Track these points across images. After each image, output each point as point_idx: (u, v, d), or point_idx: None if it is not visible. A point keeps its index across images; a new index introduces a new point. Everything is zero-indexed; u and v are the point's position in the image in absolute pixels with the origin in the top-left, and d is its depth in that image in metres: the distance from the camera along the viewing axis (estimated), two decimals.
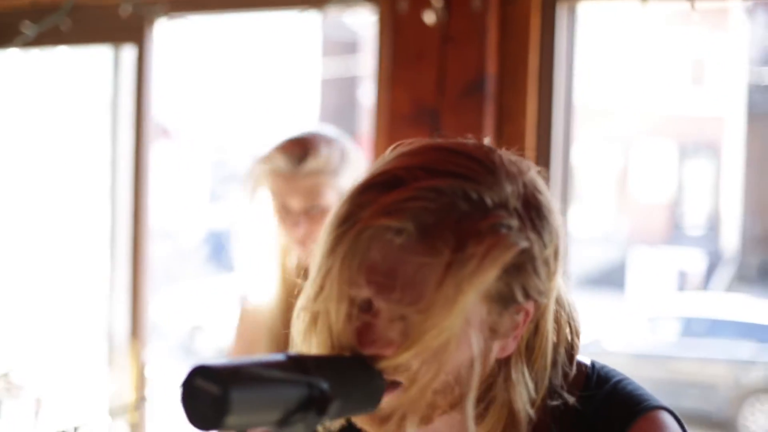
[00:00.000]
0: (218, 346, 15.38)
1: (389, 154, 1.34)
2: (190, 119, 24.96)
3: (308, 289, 1.32)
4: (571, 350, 1.37)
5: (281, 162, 2.39)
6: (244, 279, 2.54)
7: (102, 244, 3.95)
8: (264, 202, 2.42)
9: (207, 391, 1.11)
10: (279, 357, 1.20)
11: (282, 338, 2.43)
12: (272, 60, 25.19)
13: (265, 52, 25.20)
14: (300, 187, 2.38)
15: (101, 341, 3.87)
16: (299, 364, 1.19)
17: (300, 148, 2.41)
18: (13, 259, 4.35)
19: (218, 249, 21.85)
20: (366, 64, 24.10)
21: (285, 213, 2.39)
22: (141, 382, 3.60)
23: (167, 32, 3.73)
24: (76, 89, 4.24)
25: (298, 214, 2.38)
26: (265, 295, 2.47)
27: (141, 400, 3.55)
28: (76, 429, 3.15)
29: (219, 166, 25.67)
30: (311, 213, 2.38)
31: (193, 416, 1.12)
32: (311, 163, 2.38)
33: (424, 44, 2.99)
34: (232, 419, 1.10)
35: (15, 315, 4.28)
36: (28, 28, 3.62)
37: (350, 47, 24.97)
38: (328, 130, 2.58)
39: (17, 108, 4.37)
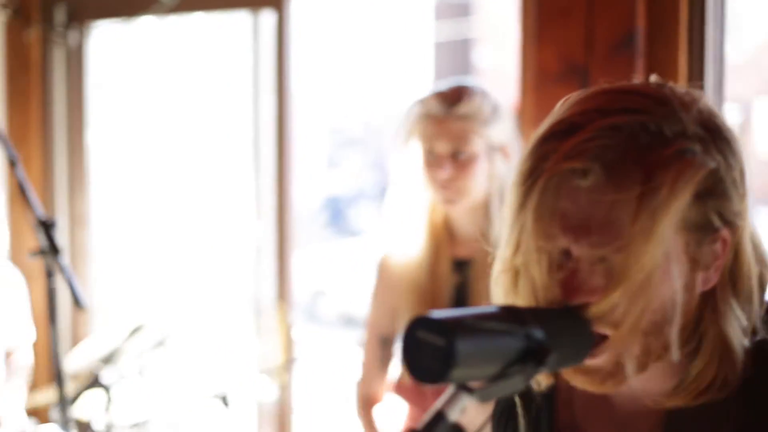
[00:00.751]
0: (340, 311, 15.55)
1: (560, 106, 1.34)
2: (308, 84, 25.15)
3: (504, 248, 1.32)
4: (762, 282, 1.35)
5: (434, 105, 2.41)
6: (388, 231, 2.55)
7: (246, 210, 4.00)
8: (414, 149, 2.43)
9: (431, 342, 1.10)
10: (492, 308, 1.20)
11: (428, 292, 2.45)
12: (386, 24, 25.18)
13: (380, 17, 25.22)
14: (449, 130, 2.39)
15: (248, 304, 3.94)
16: (515, 315, 1.19)
17: (455, 93, 2.42)
18: (159, 225, 4.45)
19: (337, 215, 22.05)
20: (479, 26, 23.94)
21: (431, 156, 2.40)
22: (288, 344, 3.65)
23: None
24: (214, 56, 4.29)
25: (444, 158, 2.39)
26: (411, 248, 2.48)
27: (289, 361, 3.60)
28: (226, 393, 3.22)
29: (336, 132, 25.84)
30: (457, 158, 2.38)
31: (417, 369, 1.12)
32: (463, 108, 2.38)
33: (571, 0, 2.95)
34: (457, 372, 1.09)
35: (164, 281, 4.39)
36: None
37: (463, 9, 24.83)
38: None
39: (157, 76, 4.46)
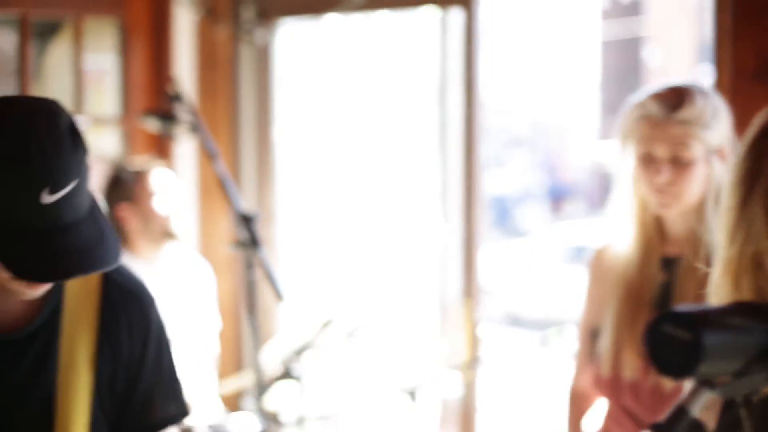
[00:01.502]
0: (506, 311, 15.54)
1: None
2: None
3: (727, 248, 1.34)
4: None
5: (654, 107, 2.38)
6: (606, 226, 2.56)
7: (433, 206, 4.03)
8: (631, 151, 2.42)
9: (678, 337, 1.11)
10: (732, 305, 1.21)
11: (634, 288, 2.44)
12: (554, 23, 25.00)
13: (548, 16, 25.05)
14: (669, 134, 2.36)
15: (434, 300, 3.96)
16: (756, 311, 1.18)
17: (675, 96, 2.38)
18: (346, 220, 4.52)
19: (503, 214, 22.01)
20: (649, 25, 23.52)
21: (649, 160, 2.38)
22: (474, 341, 3.66)
23: None
24: (401, 53, 4.33)
25: (662, 162, 2.36)
26: (621, 244, 2.48)
27: (474, 359, 3.61)
28: (413, 388, 3.25)
29: (503, 131, 25.79)
30: (676, 163, 2.36)
31: (662, 363, 1.13)
32: (685, 112, 2.35)
33: None
34: (703, 366, 1.10)
35: (352, 276, 4.46)
36: None
37: (632, 9, 24.46)
38: (702, 84, 2.54)
39: (343, 73, 4.52)
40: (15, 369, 1.83)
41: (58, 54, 5.02)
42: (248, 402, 3.25)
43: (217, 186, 4.46)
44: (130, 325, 1.91)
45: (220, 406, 3.57)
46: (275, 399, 3.27)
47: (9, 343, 1.82)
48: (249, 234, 2.64)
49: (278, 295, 2.45)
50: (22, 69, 4.36)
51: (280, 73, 4.51)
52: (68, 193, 1.64)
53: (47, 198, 1.61)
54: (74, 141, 1.66)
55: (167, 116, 2.97)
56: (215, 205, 4.56)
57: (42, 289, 1.76)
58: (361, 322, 3.32)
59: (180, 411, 2.02)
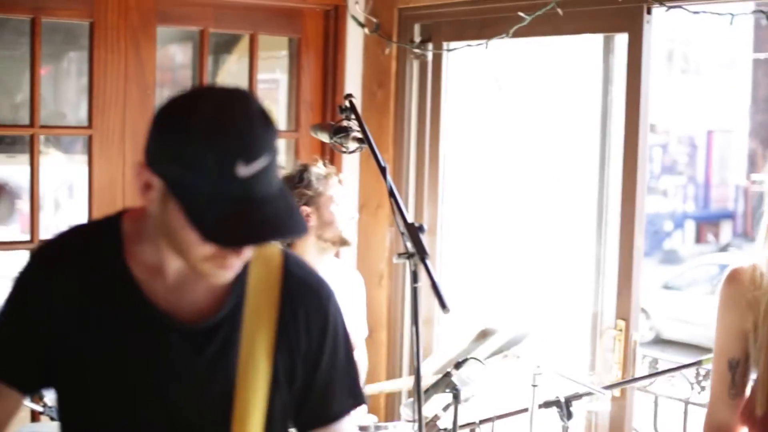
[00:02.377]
0: (657, 333, 15.33)
1: None
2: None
3: None
4: None
5: None
6: (756, 249, 2.50)
7: (590, 228, 4.06)
8: None
9: None
10: None
11: None
12: (705, 40, 24.40)
13: (699, 37, 24.50)
14: None
15: (589, 319, 4.01)
16: None
17: None
18: (506, 234, 4.59)
19: (653, 236, 21.62)
20: None
21: None
22: (628, 361, 3.69)
23: (659, 21, 3.75)
24: (564, 74, 4.39)
25: None
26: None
27: (626, 380, 3.64)
28: (565, 403, 3.30)
29: (655, 148, 25.32)
30: None
31: None
32: None
33: None
34: None
35: (510, 288, 4.53)
36: (521, 18, 3.81)
37: None
38: None
39: (509, 93, 4.61)
40: (198, 358, 1.93)
41: (232, 68, 5.25)
42: (405, 409, 3.36)
43: (375, 199, 4.63)
44: (309, 319, 2.00)
45: (368, 415, 3.67)
46: (432, 407, 3.37)
47: (193, 333, 1.93)
48: (415, 244, 2.73)
49: (443, 306, 2.56)
50: (199, 81, 4.59)
51: (447, 92, 4.61)
52: (261, 167, 1.74)
53: (243, 170, 1.72)
54: (265, 122, 1.77)
55: (339, 129, 3.09)
56: (372, 219, 4.71)
57: (232, 272, 1.86)
58: (519, 333, 3.39)
59: (356, 402, 2.11)
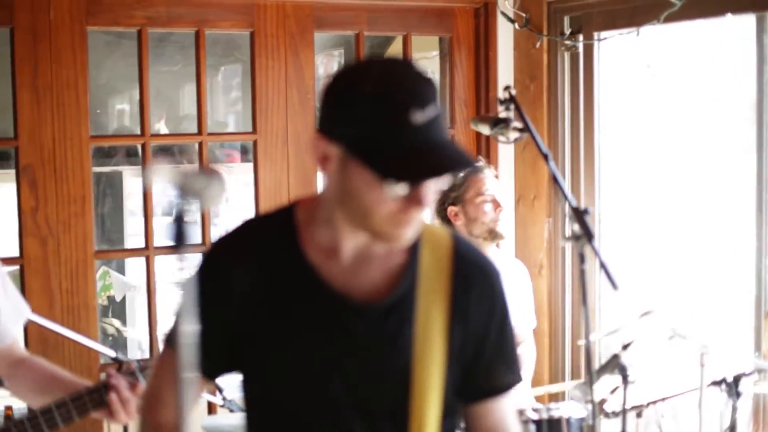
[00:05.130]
0: None
1: None
2: None
3: None
4: None
5: None
6: None
7: (750, 211, 4.03)
8: None
9: None
10: None
11: None
12: None
13: None
14: None
15: (751, 303, 3.98)
16: None
17: None
18: (662, 221, 4.58)
19: None
20: None
21: None
22: None
23: None
24: (717, 58, 4.37)
25: None
26: None
27: None
28: (729, 384, 3.29)
29: None
30: None
31: None
32: None
33: None
34: None
35: (671, 272, 4.51)
36: (672, 4, 3.82)
37: None
38: None
39: (663, 80, 4.60)
40: (376, 337, 2.01)
41: None
42: (575, 391, 3.41)
43: (532, 191, 4.69)
44: (479, 298, 2.07)
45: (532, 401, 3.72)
46: (599, 391, 3.41)
47: (371, 312, 2.01)
48: (582, 227, 2.78)
49: (613, 285, 2.60)
50: None
51: (600, 82, 4.63)
52: (433, 115, 1.85)
53: (417, 117, 1.83)
54: (428, 79, 1.89)
55: (499, 120, 3.15)
56: (529, 210, 4.77)
57: (412, 231, 1.94)
58: (680, 316, 3.40)
59: (515, 380, 2.18)
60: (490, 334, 2.10)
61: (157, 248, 4.34)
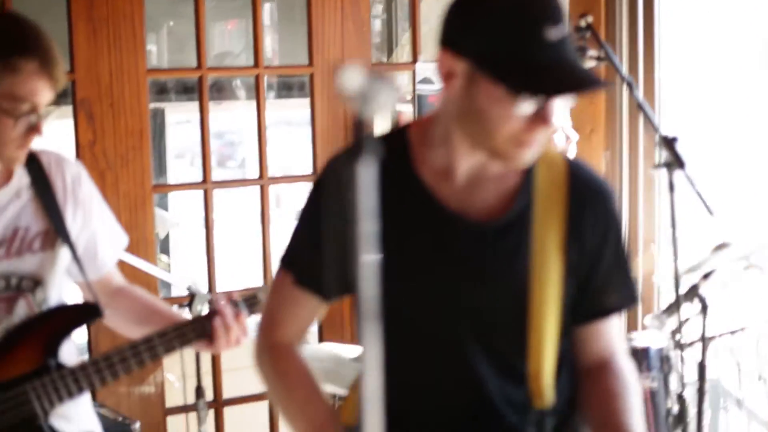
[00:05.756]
0: None
1: None
2: None
3: None
4: None
5: None
6: None
7: None
8: None
9: None
10: None
11: None
12: None
13: None
14: None
15: None
16: None
17: None
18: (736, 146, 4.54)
19: None
20: None
21: None
22: None
23: None
24: None
25: None
26: None
27: None
28: None
29: None
30: None
31: None
32: None
33: None
34: None
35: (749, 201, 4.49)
36: None
37: None
38: None
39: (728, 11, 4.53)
40: (492, 256, 2.01)
41: (433, 5, 5.29)
42: (652, 320, 3.39)
43: (588, 124, 4.64)
44: (595, 218, 2.06)
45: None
46: (673, 321, 3.40)
47: (486, 232, 2.01)
48: (672, 155, 2.75)
49: (708, 210, 2.58)
50: (412, 18, 4.64)
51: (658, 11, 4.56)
52: (566, 33, 1.84)
53: (550, 33, 1.81)
54: None
55: (579, 48, 3.12)
56: (586, 144, 4.72)
57: (532, 152, 1.93)
58: (760, 244, 3.38)
59: (628, 301, 2.17)
60: (605, 254, 2.08)
61: (215, 182, 4.31)
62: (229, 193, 4.41)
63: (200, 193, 4.30)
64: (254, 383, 4.34)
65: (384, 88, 1.47)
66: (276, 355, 2.19)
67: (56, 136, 2.45)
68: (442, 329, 2.05)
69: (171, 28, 7.00)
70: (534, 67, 1.81)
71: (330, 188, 2.07)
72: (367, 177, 1.44)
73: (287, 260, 2.19)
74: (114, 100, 4.04)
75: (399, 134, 2.11)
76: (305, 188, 4.48)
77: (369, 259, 1.48)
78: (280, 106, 5.84)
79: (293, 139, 6.27)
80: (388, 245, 2.04)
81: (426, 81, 4.66)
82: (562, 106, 1.91)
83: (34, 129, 2.38)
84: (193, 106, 5.70)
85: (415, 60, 4.65)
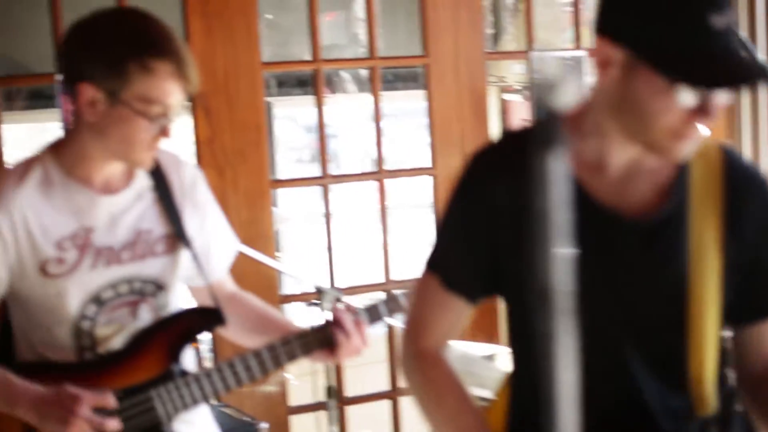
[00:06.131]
0: None
1: None
2: None
3: None
4: None
5: None
6: None
7: None
8: None
9: None
10: None
11: None
12: None
13: None
14: None
15: None
16: None
17: None
18: None
19: None
20: None
21: None
22: None
23: None
24: None
25: None
26: None
27: None
28: None
29: None
30: None
31: None
32: None
33: None
34: None
35: None
36: None
37: None
38: None
39: None
40: (647, 254, 1.91)
41: None
42: None
43: None
44: (754, 213, 1.95)
45: None
46: None
47: (641, 228, 1.91)
48: None
49: None
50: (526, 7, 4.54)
51: None
52: (731, 20, 1.74)
53: (716, 20, 1.71)
54: None
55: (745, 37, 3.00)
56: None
57: (691, 146, 1.82)
58: None
59: None
60: (766, 249, 1.97)
61: (333, 176, 4.26)
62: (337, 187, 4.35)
63: (304, 188, 4.24)
64: (376, 380, 4.33)
65: (573, 76, 1.39)
66: (424, 362, 2.11)
67: (174, 133, 2.39)
68: (598, 332, 1.94)
69: (269, 21, 6.99)
70: (699, 56, 1.71)
71: (480, 185, 2.00)
72: (557, 168, 1.37)
73: (434, 263, 2.10)
74: (230, 95, 4.00)
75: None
76: (422, 182, 4.48)
77: (563, 252, 1.39)
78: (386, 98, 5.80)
79: (397, 131, 6.20)
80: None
81: (539, 71, 4.55)
82: (725, 99, 1.80)
83: (163, 131, 2.34)
84: (296, 100, 5.65)
85: (529, 48, 4.55)
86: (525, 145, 2.01)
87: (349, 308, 2.66)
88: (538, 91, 1.36)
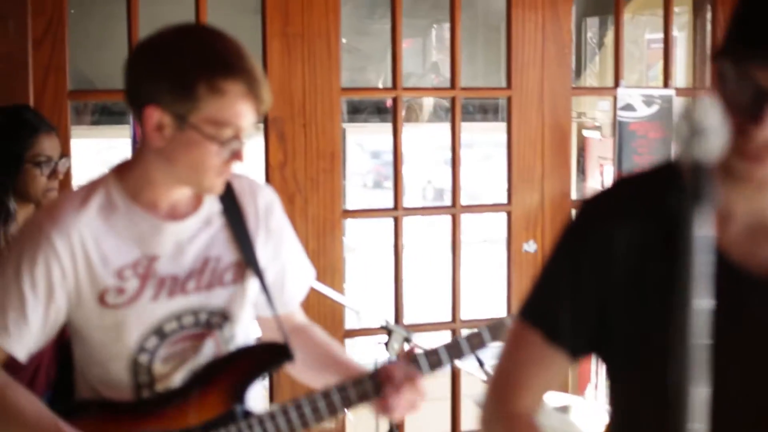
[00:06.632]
0: None
1: None
2: None
3: None
4: None
5: None
6: None
7: None
8: None
9: None
10: None
11: None
12: None
13: None
14: None
15: None
16: None
17: None
18: None
19: None
20: None
21: None
22: None
23: None
24: None
25: None
26: None
27: None
28: None
29: None
30: None
31: None
32: None
33: None
34: None
35: None
36: None
37: None
38: None
39: None
40: None
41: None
42: None
43: None
44: None
45: None
46: None
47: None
48: None
49: None
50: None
51: None
52: None
53: None
54: None
55: None
56: None
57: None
58: None
59: None
60: None
61: (406, 209, 4.11)
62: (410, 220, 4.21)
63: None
64: (437, 419, 4.15)
65: (720, 124, 1.24)
66: (514, 429, 1.92)
67: (245, 156, 2.24)
68: (711, 402, 1.77)
69: (344, 45, 6.90)
70: None
71: (595, 233, 1.83)
72: (702, 220, 1.27)
73: (534, 313, 1.91)
74: (307, 120, 3.88)
75: (665, 169, 1.84)
76: (493, 217, 4.33)
77: (700, 304, 1.28)
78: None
79: (471, 164, 6.05)
80: (655, 295, 1.78)
81: (628, 108, 4.38)
82: None
83: (236, 155, 2.19)
84: (369, 127, 5.54)
85: (616, 84, 4.38)
86: (642, 192, 1.86)
87: (409, 355, 2.47)
88: (681, 138, 1.21)
